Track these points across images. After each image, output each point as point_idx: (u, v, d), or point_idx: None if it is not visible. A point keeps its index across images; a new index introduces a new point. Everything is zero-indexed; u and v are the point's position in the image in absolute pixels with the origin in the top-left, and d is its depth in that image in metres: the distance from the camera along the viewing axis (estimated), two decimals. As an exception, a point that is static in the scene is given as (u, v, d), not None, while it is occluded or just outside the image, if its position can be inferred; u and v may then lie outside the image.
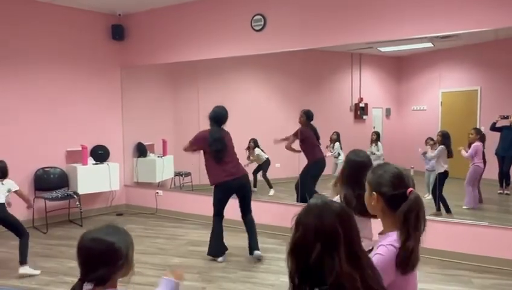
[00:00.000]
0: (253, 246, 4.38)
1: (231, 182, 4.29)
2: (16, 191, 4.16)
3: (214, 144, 4.26)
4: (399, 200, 1.48)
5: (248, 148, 6.74)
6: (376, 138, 6.58)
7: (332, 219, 1.24)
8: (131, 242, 1.52)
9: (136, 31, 6.56)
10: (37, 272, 4.04)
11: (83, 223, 5.84)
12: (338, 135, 6.53)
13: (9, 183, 4.14)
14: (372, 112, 7.12)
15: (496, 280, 3.87)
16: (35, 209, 5.64)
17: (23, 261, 3.98)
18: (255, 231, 4.42)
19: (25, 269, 3.97)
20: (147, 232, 5.52)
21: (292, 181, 6.25)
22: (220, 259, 4.39)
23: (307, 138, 5.57)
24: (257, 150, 6.78)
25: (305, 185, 5.46)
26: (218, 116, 4.39)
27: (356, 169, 2.29)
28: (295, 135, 5.60)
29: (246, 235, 4.48)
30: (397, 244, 1.47)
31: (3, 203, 4.04)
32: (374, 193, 1.56)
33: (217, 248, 4.42)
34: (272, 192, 6.63)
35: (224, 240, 4.49)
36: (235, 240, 4.80)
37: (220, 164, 4.29)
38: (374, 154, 6.47)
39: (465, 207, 5.35)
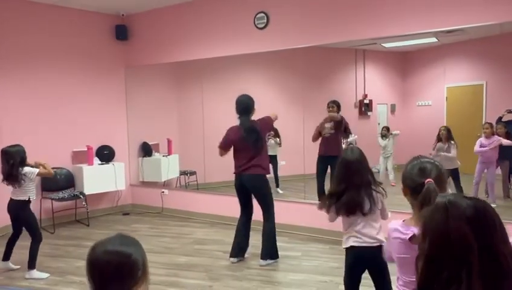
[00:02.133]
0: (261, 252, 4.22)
1: (237, 176, 4.17)
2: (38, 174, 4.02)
3: (248, 137, 3.98)
4: (420, 192, 1.49)
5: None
6: (386, 133, 6.54)
7: (461, 223, 0.96)
8: (144, 251, 1.43)
9: (140, 30, 6.57)
10: (46, 275, 3.99)
11: (89, 223, 5.87)
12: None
13: (29, 172, 3.95)
14: (376, 108, 7.10)
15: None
16: (43, 210, 5.69)
17: (31, 265, 3.96)
18: (264, 239, 4.19)
19: (32, 274, 3.95)
20: (153, 231, 5.55)
21: (297, 179, 6.24)
22: (231, 259, 4.29)
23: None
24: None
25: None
26: (241, 105, 4.07)
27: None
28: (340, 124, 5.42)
29: (251, 233, 4.43)
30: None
31: (25, 200, 3.96)
32: (402, 185, 1.67)
33: (232, 246, 4.31)
34: (279, 190, 6.58)
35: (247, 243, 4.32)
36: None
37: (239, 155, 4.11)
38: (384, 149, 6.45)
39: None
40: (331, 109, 5.46)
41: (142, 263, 1.35)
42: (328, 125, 5.43)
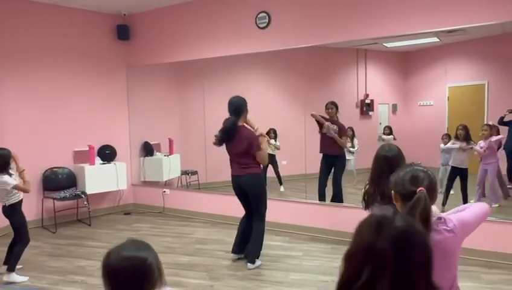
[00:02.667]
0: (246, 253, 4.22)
1: (234, 178, 4.19)
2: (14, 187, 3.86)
3: (221, 132, 4.08)
4: (411, 199, 1.51)
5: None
6: (389, 132, 6.52)
7: (386, 240, 1.04)
8: (157, 254, 1.45)
9: (141, 30, 6.58)
10: (25, 278, 3.90)
11: (91, 222, 5.88)
12: (353, 130, 6.43)
13: (3, 182, 3.78)
14: (378, 108, 7.10)
15: (505, 275, 3.84)
16: (44, 209, 5.70)
17: (11, 267, 3.84)
18: (253, 239, 4.16)
19: (10, 277, 3.84)
20: (155, 231, 5.55)
21: (298, 179, 6.24)
22: (231, 255, 4.32)
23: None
24: (272, 142, 6.68)
25: (340, 182, 5.37)
26: (232, 106, 4.11)
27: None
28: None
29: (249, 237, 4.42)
30: None
31: (11, 204, 3.89)
32: (393, 191, 1.64)
33: (233, 243, 4.34)
34: (282, 188, 6.59)
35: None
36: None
37: (230, 158, 4.16)
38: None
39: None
40: (330, 110, 5.49)
41: (157, 265, 1.38)
42: (332, 126, 5.42)
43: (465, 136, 5.30)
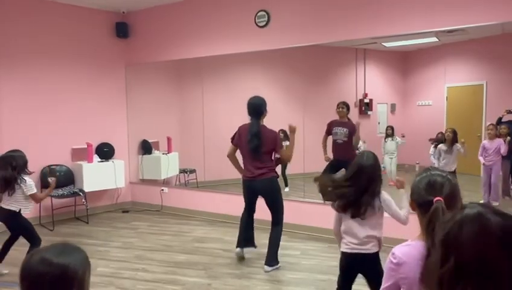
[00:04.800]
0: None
1: (247, 182, 4.12)
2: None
3: (251, 142, 3.96)
4: (428, 209, 1.34)
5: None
6: (392, 132, 6.44)
7: (493, 242, 0.86)
8: (89, 263, 1.26)
9: (140, 28, 6.57)
10: (5, 271, 3.88)
11: (89, 220, 5.88)
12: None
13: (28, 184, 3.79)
14: (377, 107, 7.10)
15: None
16: (42, 207, 5.69)
17: None
18: (271, 243, 4.10)
19: None
20: (153, 229, 5.55)
21: (296, 178, 6.23)
22: (236, 250, 4.27)
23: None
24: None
25: None
26: (251, 108, 4.02)
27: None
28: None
29: (252, 231, 4.42)
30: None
31: (15, 211, 3.80)
32: (410, 199, 1.51)
33: (238, 239, 4.29)
34: (287, 189, 6.51)
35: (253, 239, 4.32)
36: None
37: (245, 160, 4.10)
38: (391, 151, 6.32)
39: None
40: (340, 109, 5.42)
41: (81, 275, 1.20)
42: (341, 131, 5.37)
43: (452, 139, 5.31)
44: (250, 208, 4.24)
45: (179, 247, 4.80)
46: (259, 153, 3.97)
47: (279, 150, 4.07)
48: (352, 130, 5.33)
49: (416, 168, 6.41)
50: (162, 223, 5.87)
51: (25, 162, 3.83)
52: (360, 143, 5.86)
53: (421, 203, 1.43)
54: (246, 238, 4.28)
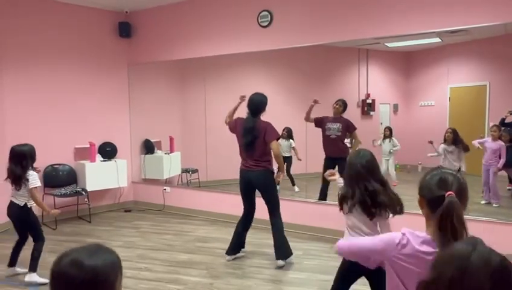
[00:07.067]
0: (275, 252, 4.17)
1: (243, 172, 4.19)
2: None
3: (244, 137, 4.08)
4: (439, 205, 1.38)
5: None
6: (389, 133, 6.43)
7: (482, 277, 0.87)
8: (121, 266, 1.22)
9: (143, 28, 6.58)
10: (46, 280, 3.68)
11: (91, 219, 5.89)
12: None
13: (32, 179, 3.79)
14: (379, 107, 7.09)
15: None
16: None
17: (33, 267, 3.80)
18: (277, 239, 4.16)
19: (32, 277, 3.78)
20: (155, 229, 5.56)
21: (299, 178, 6.24)
22: (227, 258, 4.32)
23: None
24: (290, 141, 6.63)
25: None
26: (251, 104, 4.12)
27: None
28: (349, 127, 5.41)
29: (253, 231, 4.45)
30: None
31: (22, 206, 3.79)
32: (419, 195, 1.52)
33: (229, 246, 4.34)
34: (296, 188, 6.47)
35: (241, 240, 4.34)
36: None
37: (242, 153, 4.19)
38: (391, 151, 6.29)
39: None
40: (337, 106, 5.43)
41: (114, 279, 1.17)
42: (334, 126, 5.39)
43: (454, 139, 5.30)
44: (246, 203, 4.26)
45: (181, 246, 4.81)
46: (254, 147, 4.05)
47: (269, 140, 4.05)
48: (345, 125, 5.37)
49: (419, 169, 6.41)
50: (164, 222, 5.88)
51: (35, 154, 3.93)
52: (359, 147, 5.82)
53: (431, 199, 1.44)
54: (237, 244, 4.32)
